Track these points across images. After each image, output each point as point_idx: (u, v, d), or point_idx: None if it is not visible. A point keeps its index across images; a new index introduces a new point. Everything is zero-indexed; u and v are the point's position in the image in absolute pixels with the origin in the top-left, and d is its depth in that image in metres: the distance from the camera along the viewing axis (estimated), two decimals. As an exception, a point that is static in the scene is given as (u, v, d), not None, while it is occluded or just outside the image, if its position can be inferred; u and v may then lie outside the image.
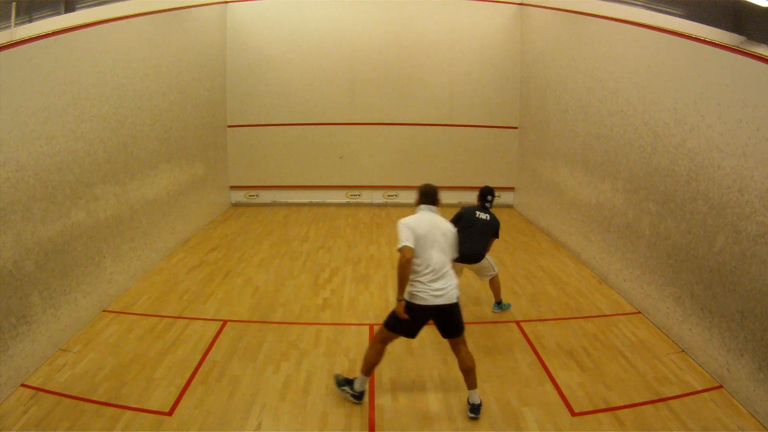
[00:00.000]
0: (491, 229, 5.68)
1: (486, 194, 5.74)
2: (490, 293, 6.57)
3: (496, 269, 5.89)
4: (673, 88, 5.49)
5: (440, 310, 3.83)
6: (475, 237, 5.56)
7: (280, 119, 11.42)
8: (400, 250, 3.76)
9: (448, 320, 3.93)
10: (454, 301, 3.86)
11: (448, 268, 3.89)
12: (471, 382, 4.07)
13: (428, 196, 4.08)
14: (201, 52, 9.58)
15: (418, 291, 3.80)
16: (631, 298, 6.25)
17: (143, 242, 7.02)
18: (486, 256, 5.73)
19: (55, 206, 5.08)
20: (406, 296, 3.83)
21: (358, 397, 4.17)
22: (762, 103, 4.22)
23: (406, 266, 3.72)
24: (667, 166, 5.57)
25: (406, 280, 3.78)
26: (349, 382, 4.21)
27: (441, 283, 3.82)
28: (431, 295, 3.78)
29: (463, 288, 6.72)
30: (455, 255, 4.05)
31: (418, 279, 3.80)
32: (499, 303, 6.01)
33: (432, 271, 3.80)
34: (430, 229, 3.86)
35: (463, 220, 5.58)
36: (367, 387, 4.22)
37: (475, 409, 4.03)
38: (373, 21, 11.15)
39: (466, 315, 5.93)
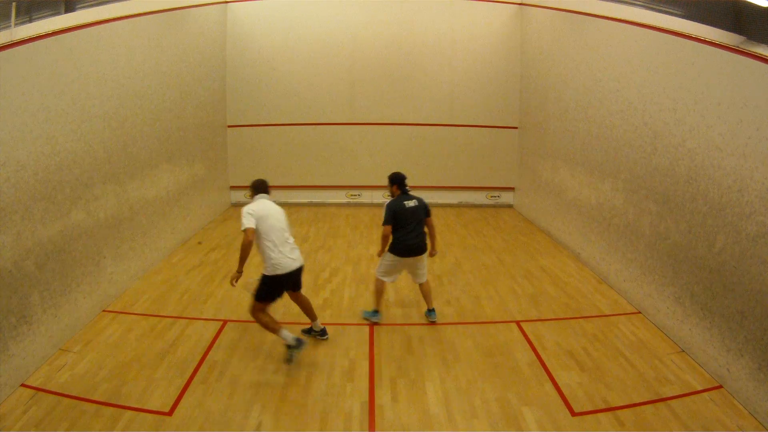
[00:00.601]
0: (423, 212, 5.61)
1: (402, 180, 5.59)
2: (489, 292, 6.59)
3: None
4: (673, 88, 5.49)
5: (297, 271, 4.82)
6: (415, 228, 5.51)
7: (280, 119, 11.42)
8: (244, 231, 4.52)
9: (297, 278, 4.92)
10: (302, 263, 4.90)
11: (292, 239, 4.83)
12: (312, 315, 5.20)
13: (261, 187, 4.98)
14: (201, 52, 9.58)
15: (279, 262, 4.63)
16: (631, 298, 6.25)
17: (143, 242, 7.02)
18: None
19: (55, 206, 5.08)
20: (269, 271, 4.63)
21: (298, 344, 4.70)
22: (762, 103, 4.22)
23: (248, 246, 4.52)
24: (667, 166, 5.57)
25: (247, 256, 4.57)
26: (289, 348, 4.74)
27: (295, 253, 4.80)
28: (291, 260, 4.71)
29: (462, 288, 6.73)
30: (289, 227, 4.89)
31: (277, 253, 4.63)
32: (432, 310, 5.77)
33: (287, 245, 4.72)
34: (271, 212, 4.74)
35: (398, 216, 5.46)
36: (291, 336, 4.72)
37: (323, 332, 5.26)
38: (373, 21, 11.14)
39: (466, 316, 5.96)
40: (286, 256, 4.68)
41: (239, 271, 4.74)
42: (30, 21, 5.16)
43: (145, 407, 4.12)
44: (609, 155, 6.96)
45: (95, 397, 4.22)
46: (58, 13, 5.64)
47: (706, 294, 4.84)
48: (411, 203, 5.54)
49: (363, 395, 4.36)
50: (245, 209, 4.66)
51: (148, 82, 7.29)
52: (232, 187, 11.52)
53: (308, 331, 5.31)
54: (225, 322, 5.68)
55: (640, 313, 5.97)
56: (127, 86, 6.65)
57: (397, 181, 5.63)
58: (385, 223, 5.47)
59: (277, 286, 4.74)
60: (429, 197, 11.46)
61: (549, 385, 4.50)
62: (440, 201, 11.72)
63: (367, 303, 6.23)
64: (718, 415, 4.10)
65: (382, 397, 4.34)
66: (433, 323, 5.71)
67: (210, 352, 5.03)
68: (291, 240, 4.83)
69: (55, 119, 5.13)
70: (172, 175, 8.11)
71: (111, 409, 4.09)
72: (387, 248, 5.56)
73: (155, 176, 7.49)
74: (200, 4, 9.53)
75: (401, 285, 6.83)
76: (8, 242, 4.35)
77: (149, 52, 7.35)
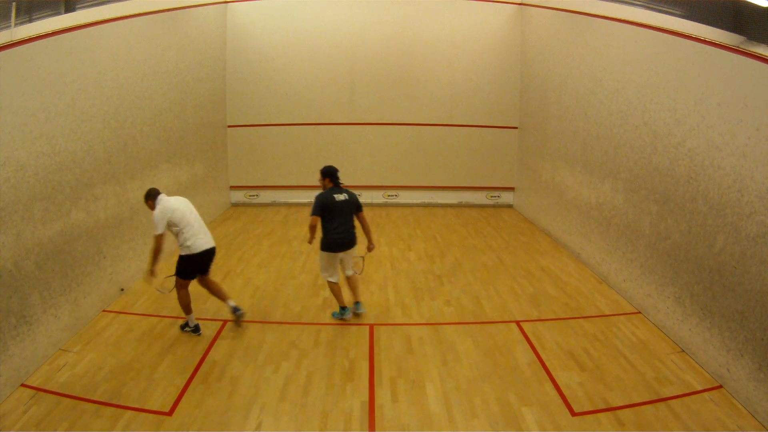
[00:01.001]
0: (354, 206, 5.63)
1: (335, 173, 5.60)
2: (489, 292, 6.59)
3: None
4: (673, 88, 5.49)
5: (209, 252, 5.32)
6: (345, 222, 5.55)
7: (280, 119, 11.42)
8: (158, 236, 5.05)
9: (209, 260, 5.39)
10: (214, 244, 5.41)
11: (202, 223, 5.37)
12: (223, 295, 5.56)
13: (154, 192, 5.25)
14: (201, 52, 9.58)
15: (193, 243, 5.17)
16: (631, 298, 6.25)
17: (143, 242, 7.00)
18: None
19: (55, 206, 5.08)
20: (185, 251, 5.18)
21: (196, 329, 5.39)
22: (762, 103, 4.22)
23: (159, 249, 5.09)
24: (667, 166, 5.57)
25: (159, 254, 5.12)
26: (186, 324, 5.40)
27: (205, 233, 5.32)
28: (203, 242, 5.24)
29: (462, 288, 6.72)
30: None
31: (191, 236, 5.16)
32: (359, 303, 5.91)
33: (197, 228, 5.24)
34: (181, 206, 5.22)
35: (327, 209, 5.47)
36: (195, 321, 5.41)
37: (235, 309, 5.48)
38: (373, 21, 11.14)
39: (466, 316, 5.96)
40: (199, 239, 5.22)
41: (152, 271, 5.15)
42: (30, 21, 5.16)
43: (145, 407, 4.12)
44: (609, 155, 6.96)
45: (95, 397, 4.22)
46: (58, 13, 5.64)
47: (706, 294, 4.84)
48: (341, 197, 5.55)
49: (363, 395, 4.36)
50: (157, 214, 5.08)
51: (148, 82, 7.29)
52: (232, 187, 11.52)
53: (236, 318, 5.54)
54: (225, 322, 5.68)
55: (640, 313, 5.97)
56: (127, 86, 6.64)
57: (329, 174, 5.61)
58: (313, 213, 5.50)
59: (194, 263, 5.28)
60: (429, 197, 11.69)
61: (549, 385, 4.50)
62: (440, 201, 11.74)
63: (366, 302, 6.23)
64: (718, 415, 4.10)
65: (382, 397, 4.34)
66: (359, 315, 5.81)
67: (210, 352, 5.03)
68: (201, 224, 5.35)
69: (55, 119, 5.13)
70: (172, 175, 8.10)
71: (111, 409, 4.09)
72: (320, 246, 5.60)
73: (155, 176, 7.48)
74: (200, 4, 9.53)
75: (401, 285, 6.84)
76: (8, 242, 4.35)
77: (149, 52, 7.35)
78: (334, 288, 5.74)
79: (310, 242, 5.67)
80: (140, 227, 6.95)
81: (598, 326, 5.64)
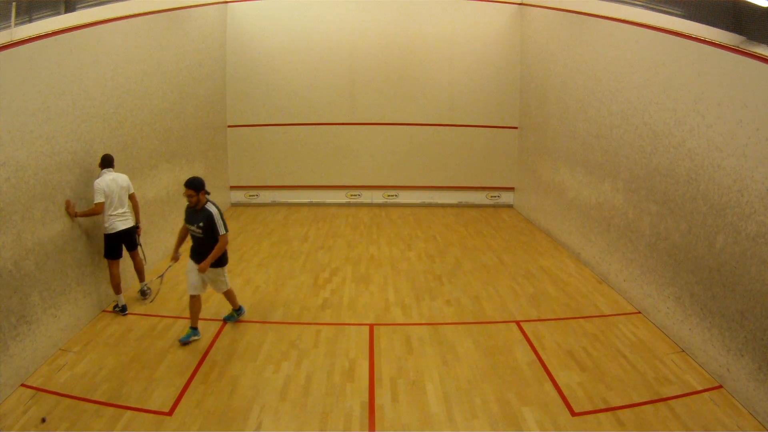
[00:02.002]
0: None
1: (204, 183, 5.17)
2: (489, 292, 6.60)
3: None
4: (673, 88, 5.49)
5: (126, 231, 5.82)
6: None
7: (279, 119, 11.42)
8: (96, 204, 5.50)
9: (131, 238, 5.94)
10: (132, 224, 5.94)
11: (127, 206, 5.86)
12: (141, 277, 6.23)
13: (108, 161, 5.74)
14: (201, 52, 9.57)
15: (113, 223, 5.68)
16: (631, 298, 6.25)
17: (143, 242, 6.99)
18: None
19: (55, 206, 5.08)
20: (108, 230, 5.68)
21: (123, 309, 5.81)
22: (762, 103, 4.22)
23: (98, 213, 5.56)
24: (667, 166, 5.57)
25: (90, 215, 5.54)
26: (118, 307, 5.82)
27: (125, 216, 5.80)
28: (120, 223, 5.74)
29: (462, 288, 6.71)
30: (131, 191, 5.94)
31: (112, 216, 5.66)
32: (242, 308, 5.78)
33: (120, 210, 5.73)
34: (114, 185, 5.67)
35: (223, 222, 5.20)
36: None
37: (144, 292, 6.18)
38: (373, 21, 11.14)
39: (466, 316, 5.96)
40: (117, 219, 5.70)
41: (75, 213, 5.36)
42: (30, 21, 5.16)
43: (145, 407, 4.12)
44: (609, 155, 6.96)
45: (95, 397, 4.23)
46: (58, 13, 5.64)
47: (706, 294, 4.84)
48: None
49: (363, 395, 4.36)
50: (97, 183, 5.53)
51: (148, 82, 7.29)
52: (232, 187, 11.52)
53: (143, 296, 6.19)
54: (225, 322, 5.68)
55: (640, 313, 5.97)
56: (126, 86, 6.64)
57: (202, 185, 5.10)
58: (226, 231, 5.17)
59: (112, 243, 5.72)
60: (429, 197, 11.70)
61: (549, 385, 4.50)
62: (440, 201, 11.74)
63: (366, 303, 6.23)
64: (718, 415, 4.10)
65: (382, 397, 4.34)
66: (237, 322, 5.68)
67: (210, 352, 5.03)
68: (125, 207, 5.80)
69: (55, 119, 5.13)
70: (171, 175, 8.10)
71: (111, 409, 4.09)
72: (222, 264, 5.30)
73: (155, 176, 7.48)
74: (200, 4, 9.52)
75: (401, 285, 6.84)
76: (8, 242, 4.35)
77: (149, 52, 7.35)
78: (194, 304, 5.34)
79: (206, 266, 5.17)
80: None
81: (597, 326, 5.65)
